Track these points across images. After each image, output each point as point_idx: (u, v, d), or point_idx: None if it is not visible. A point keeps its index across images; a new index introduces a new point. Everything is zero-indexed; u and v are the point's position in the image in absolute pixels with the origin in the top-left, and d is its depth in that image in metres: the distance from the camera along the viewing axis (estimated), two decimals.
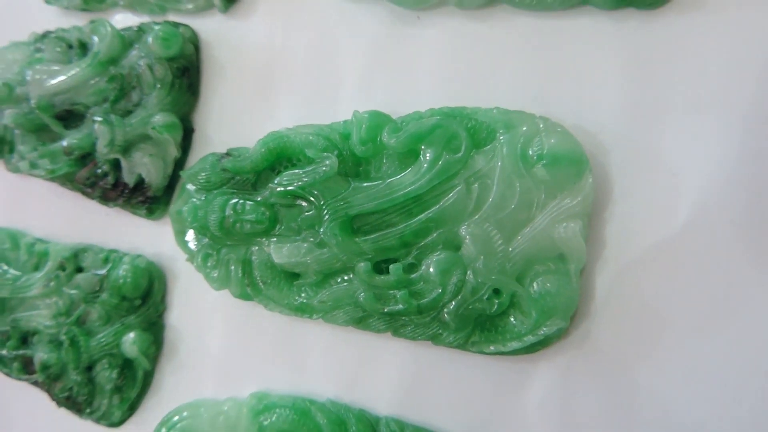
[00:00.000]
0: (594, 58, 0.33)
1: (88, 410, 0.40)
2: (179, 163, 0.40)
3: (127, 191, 0.39)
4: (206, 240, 0.37)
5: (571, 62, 0.34)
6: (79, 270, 0.40)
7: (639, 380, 0.32)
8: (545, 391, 0.33)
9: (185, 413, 0.38)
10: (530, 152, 0.32)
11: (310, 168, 0.35)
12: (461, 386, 0.34)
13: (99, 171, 0.39)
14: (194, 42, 0.39)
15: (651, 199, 0.32)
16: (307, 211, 0.35)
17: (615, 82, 0.33)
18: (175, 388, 0.40)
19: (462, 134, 0.33)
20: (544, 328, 0.31)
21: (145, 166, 0.38)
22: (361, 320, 0.35)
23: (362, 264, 0.34)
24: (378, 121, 0.34)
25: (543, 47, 0.34)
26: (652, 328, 0.31)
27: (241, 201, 0.36)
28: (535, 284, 0.32)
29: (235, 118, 0.39)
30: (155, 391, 0.40)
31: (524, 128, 0.32)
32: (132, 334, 0.38)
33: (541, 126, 0.32)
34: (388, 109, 0.35)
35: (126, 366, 0.39)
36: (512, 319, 0.33)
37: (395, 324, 0.34)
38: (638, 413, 0.31)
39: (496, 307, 0.32)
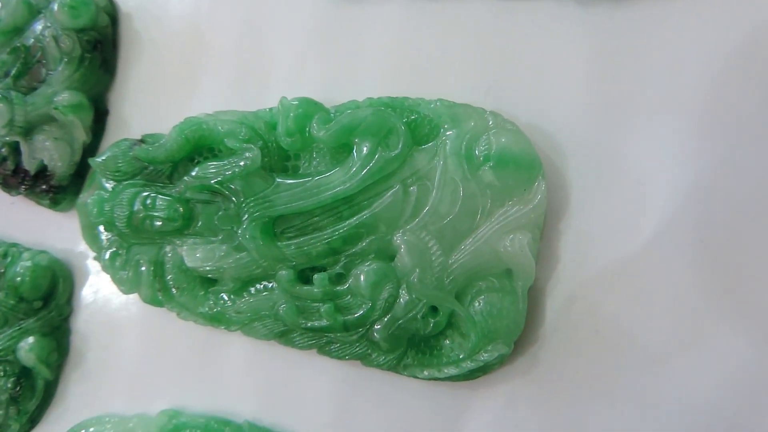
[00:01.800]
0: (555, 47, 0.29)
1: None
2: (90, 149, 0.35)
3: (28, 179, 0.34)
4: (113, 237, 0.33)
5: (529, 51, 0.30)
6: None
7: (590, 415, 0.28)
8: (485, 422, 0.29)
9: (91, 429, 0.34)
10: (476, 152, 0.28)
11: (230, 160, 0.30)
12: (394, 411, 0.31)
13: None
14: (110, 12, 0.35)
15: (612, 210, 0.28)
16: (224, 209, 0.31)
17: (577, 77, 0.29)
18: (80, 400, 0.36)
19: (400, 128, 0.28)
20: (485, 354, 0.27)
21: (47, 151, 0.33)
22: (283, 335, 0.31)
23: (284, 272, 0.30)
24: (308, 109, 0.30)
25: (498, 33, 0.30)
26: (608, 356, 0.28)
27: (152, 195, 0.32)
28: (476, 303, 0.28)
29: (155, 101, 0.35)
30: (59, 402, 0.36)
31: (471, 124, 0.28)
32: (30, 340, 0.34)
33: (491, 122, 0.28)
34: (323, 98, 0.31)
35: (23, 375, 0.35)
36: (449, 342, 0.29)
37: (320, 341, 0.30)
38: None
39: (431, 327, 0.28)
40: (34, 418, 0.35)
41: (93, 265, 0.36)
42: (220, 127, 0.31)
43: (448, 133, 0.28)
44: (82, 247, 0.35)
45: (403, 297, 0.28)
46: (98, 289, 0.36)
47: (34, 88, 0.33)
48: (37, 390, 0.35)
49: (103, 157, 0.33)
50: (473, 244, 0.28)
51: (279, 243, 0.30)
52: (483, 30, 0.30)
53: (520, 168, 0.27)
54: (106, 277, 0.35)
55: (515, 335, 0.28)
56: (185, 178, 0.31)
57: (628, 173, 0.28)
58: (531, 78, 0.29)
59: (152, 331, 0.34)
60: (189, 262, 0.31)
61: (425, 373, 0.29)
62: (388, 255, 0.29)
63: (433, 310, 0.28)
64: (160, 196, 0.32)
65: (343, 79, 0.32)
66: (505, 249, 0.27)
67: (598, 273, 0.28)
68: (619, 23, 0.28)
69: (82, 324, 0.36)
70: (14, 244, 0.35)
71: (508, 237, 0.27)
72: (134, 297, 0.34)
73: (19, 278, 0.34)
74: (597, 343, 0.28)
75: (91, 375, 0.35)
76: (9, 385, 0.34)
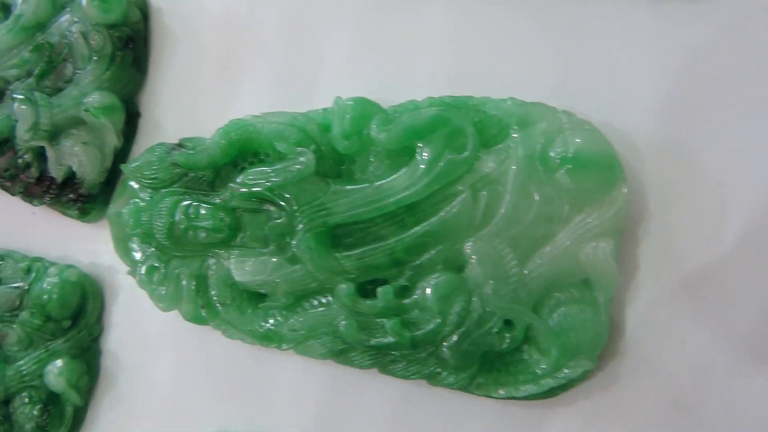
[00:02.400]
0: (629, 43, 0.28)
1: None
2: (121, 155, 0.33)
3: (54, 187, 0.31)
4: (152, 249, 0.30)
5: (600, 47, 0.28)
6: None
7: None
8: None
9: None
10: (552, 154, 0.26)
11: (281, 165, 0.28)
12: None
13: (20, 161, 0.32)
14: (141, 6, 0.32)
15: (693, 214, 0.26)
16: (276, 218, 0.28)
17: (653, 74, 0.27)
18: (112, 427, 0.33)
19: (468, 129, 0.27)
20: (567, 370, 0.26)
21: (76, 157, 0.31)
22: (342, 353, 0.29)
23: (343, 286, 0.28)
24: (365, 110, 0.28)
25: (567, 26, 0.28)
26: (692, 372, 0.26)
27: (194, 203, 0.29)
28: (555, 316, 0.26)
29: (191, 102, 0.33)
30: (88, 430, 0.33)
31: (544, 125, 0.26)
32: (59, 363, 0.31)
33: (565, 122, 0.26)
34: (378, 97, 0.28)
35: (51, 401, 0.32)
36: (526, 358, 0.27)
37: (383, 359, 0.28)
38: None
39: (507, 342, 0.26)
40: None
41: (125, 281, 0.33)
42: (268, 130, 0.29)
43: (518, 134, 0.26)
44: (112, 260, 0.33)
45: (476, 311, 0.26)
46: (130, 307, 0.33)
47: (60, 89, 0.31)
48: (66, 417, 0.32)
49: (138, 163, 0.30)
50: (551, 252, 0.26)
51: (337, 254, 0.28)
52: (550, 24, 0.28)
53: (599, 170, 0.26)
54: (139, 294, 0.32)
55: (599, 349, 0.26)
56: (230, 185, 0.29)
57: (709, 175, 0.26)
58: (603, 75, 0.28)
59: (191, 350, 0.32)
60: (238, 276, 0.29)
61: (501, 392, 0.27)
62: (456, 266, 0.27)
63: (508, 324, 0.27)
64: (204, 205, 0.29)
65: (397, 78, 0.30)
66: (587, 257, 0.26)
67: (680, 280, 0.26)
68: (699, 19, 0.27)
69: (113, 344, 0.33)
70: (38, 259, 0.33)
71: (590, 245, 0.26)
72: (171, 315, 0.31)
73: (46, 296, 0.31)
74: (682, 355, 0.26)
75: (123, 399, 0.33)
76: (35, 413, 0.31)
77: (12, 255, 0.33)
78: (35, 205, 0.33)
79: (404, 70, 0.30)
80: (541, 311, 0.26)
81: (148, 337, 0.33)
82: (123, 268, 0.32)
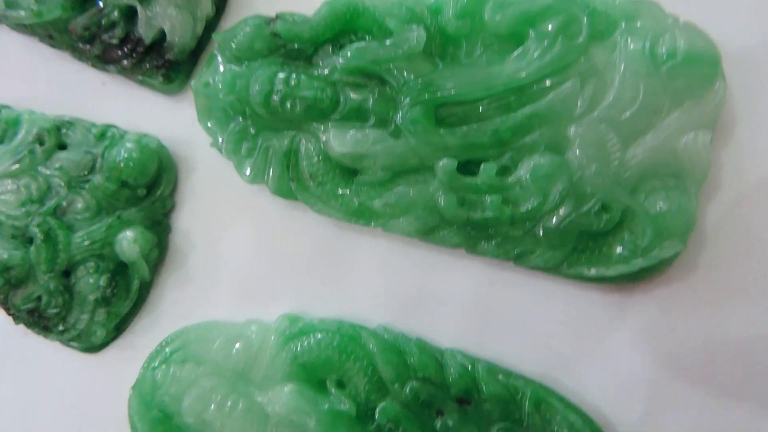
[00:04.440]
0: None
1: (59, 327, 0.31)
2: (209, 26, 0.31)
3: (140, 50, 0.30)
4: (240, 120, 0.30)
5: None
6: (62, 148, 0.31)
7: (749, 322, 0.28)
8: (638, 328, 0.29)
9: (190, 336, 0.30)
10: (659, 49, 0.27)
11: (390, 41, 0.28)
12: (541, 318, 0.29)
13: (104, 20, 0.30)
14: None
15: None
16: (380, 93, 0.28)
17: None
18: (176, 307, 0.32)
19: (582, 18, 0.28)
20: (659, 250, 0.27)
21: (169, 19, 0.29)
22: (432, 231, 0.29)
23: (446, 160, 0.28)
24: None
25: None
26: None
27: (295, 74, 0.29)
28: (650, 200, 0.27)
29: None
30: (151, 308, 0.32)
31: (652, 22, 0.28)
32: (131, 231, 0.30)
33: (671, 21, 0.28)
34: None
35: (118, 272, 0.30)
36: (620, 240, 0.28)
37: (474, 238, 0.29)
38: (743, 357, 0.28)
39: (604, 222, 0.27)
40: (121, 325, 0.31)
41: (201, 157, 0.32)
42: (378, 6, 0.29)
43: (627, 29, 0.28)
44: (189, 135, 0.32)
45: (576, 191, 0.27)
46: (205, 185, 0.32)
47: None
48: (132, 291, 0.31)
49: (233, 34, 0.30)
50: (651, 141, 0.27)
51: (441, 131, 0.28)
52: None
53: (702, 67, 0.27)
54: (215, 172, 0.32)
55: (689, 233, 0.27)
56: (336, 58, 0.29)
57: None
58: None
59: (269, 229, 0.31)
60: (337, 147, 0.28)
61: (592, 271, 0.28)
62: (559, 148, 0.28)
63: (604, 207, 0.28)
64: (304, 76, 0.29)
65: None
66: (685, 147, 0.27)
67: (764, 178, 0.28)
68: None
69: (184, 222, 0.32)
70: (112, 125, 0.31)
71: (689, 135, 0.27)
72: (249, 193, 0.31)
73: (123, 160, 0.30)
74: (762, 250, 0.28)
75: (191, 278, 0.32)
76: (102, 283, 0.30)
77: (81, 122, 0.31)
78: (108, 72, 0.32)
79: None
80: (638, 196, 0.28)
81: (222, 215, 0.32)
82: (200, 144, 0.32)
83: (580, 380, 0.29)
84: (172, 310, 0.32)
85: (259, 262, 0.31)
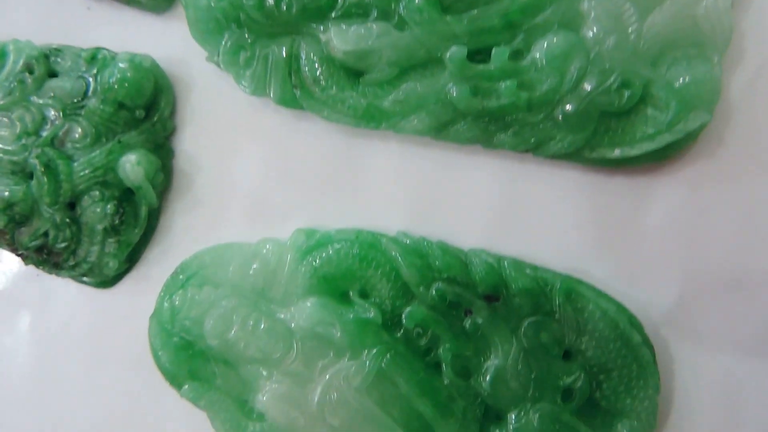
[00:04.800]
0: None
1: (70, 262, 0.30)
2: None
3: None
4: (235, 29, 0.28)
5: None
6: (53, 76, 0.30)
7: None
8: (667, 210, 0.28)
9: (205, 260, 0.29)
10: None
11: None
12: (564, 209, 0.29)
13: None
14: None
15: None
16: None
17: None
18: (188, 233, 0.31)
19: None
20: (685, 123, 0.26)
21: None
22: (445, 127, 0.28)
23: (454, 48, 0.27)
24: None
25: None
26: None
27: None
28: (672, 71, 0.26)
29: None
30: (161, 237, 0.31)
31: None
32: (133, 155, 0.29)
33: None
34: None
35: (125, 199, 0.29)
36: (643, 117, 0.26)
37: (489, 130, 0.27)
38: None
39: (626, 99, 0.26)
40: (133, 255, 0.31)
41: (198, 76, 0.31)
42: None
43: None
44: (183, 54, 0.31)
45: (594, 68, 0.26)
46: (204, 104, 0.31)
47: None
48: (141, 218, 0.30)
49: None
50: (670, 8, 0.26)
51: (447, 18, 0.27)
52: None
53: None
54: (215, 89, 0.31)
55: (714, 103, 0.26)
56: None
57: None
58: None
59: (276, 142, 0.30)
60: (340, 45, 0.27)
61: (616, 152, 0.27)
62: (572, 26, 0.26)
63: (625, 83, 0.26)
64: None
65: None
66: (705, 12, 0.26)
67: None
68: None
69: (187, 144, 0.31)
70: (102, 48, 0.30)
71: (708, 0, 0.26)
72: (252, 107, 0.30)
73: (117, 81, 0.28)
74: None
75: (200, 202, 0.31)
76: (109, 210, 0.29)
77: (69, 48, 0.30)
78: None
79: None
80: (659, 69, 0.26)
81: (226, 134, 0.31)
82: (196, 61, 0.30)
83: (610, 270, 0.28)
84: (184, 237, 0.31)
85: (269, 179, 0.30)
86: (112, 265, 0.30)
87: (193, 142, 0.31)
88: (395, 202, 0.29)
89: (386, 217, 0.29)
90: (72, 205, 0.30)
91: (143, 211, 0.30)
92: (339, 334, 0.28)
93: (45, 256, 0.30)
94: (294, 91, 0.28)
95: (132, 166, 0.28)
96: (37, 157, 0.29)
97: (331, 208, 0.30)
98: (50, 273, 0.31)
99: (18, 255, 0.31)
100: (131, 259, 0.31)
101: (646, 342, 0.27)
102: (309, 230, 0.29)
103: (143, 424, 0.31)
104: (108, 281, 0.31)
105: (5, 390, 0.32)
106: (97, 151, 0.29)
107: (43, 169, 0.29)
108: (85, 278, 0.31)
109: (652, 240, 0.28)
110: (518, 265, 0.28)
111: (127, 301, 0.31)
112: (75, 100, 0.29)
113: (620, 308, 0.27)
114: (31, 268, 0.31)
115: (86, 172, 0.29)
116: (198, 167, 0.31)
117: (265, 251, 0.29)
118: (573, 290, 0.27)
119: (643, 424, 0.27)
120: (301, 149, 0.30)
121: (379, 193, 0.30)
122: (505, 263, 0.28)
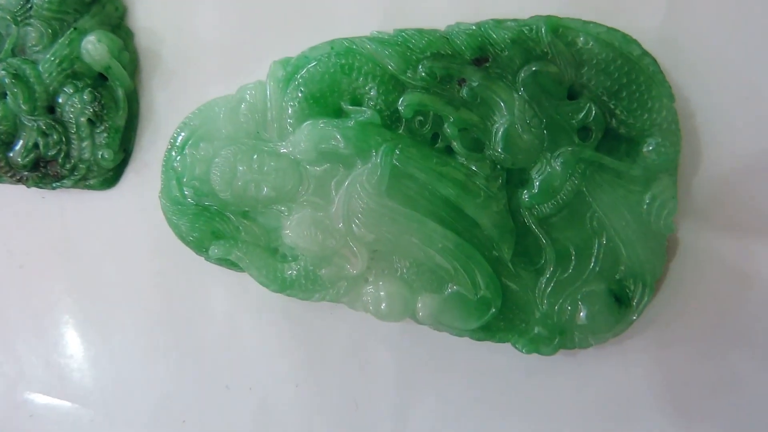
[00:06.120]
0: None
1: (67, 166, 0.30)
2: None
3: None
4: None
5: None
6: None
7: None
8: None
9: (194, 122, 0.29)
10: None
11: None
12: None
13: None
14: None
15: None
16: None
17: None
18: (170, 106, 0.31)
19: None
20: None
21: None
22: None
23: None
24: None
25: None
26: None
27: None
28: None
29: None
30: (147, 119, 0.31)
31: None
32: (92, 36, 0.28)
33: None
34: None
35: (99, 86, 0.29)
36: None
37: None
38: None
39: None
40: (125, 144, 0.30)
41: None
42: None
43: None
44: None
45: None
46: None
47: None
48: (120, 100, 0.29)
49: None
50: None
51: None
52: None
53: None
54: None
55: None
56: None
57: None
58: None
59: None
60: None
61: None
62: None
63: None
64: None
65: None
66: None
67: None
68: None
69: (143, 21, 0.30)
70: None
71: None
72: None
73: None
74: None
75: (173, 73, 0.30)
76: (87, 98, 0.28)
77: None
78: None
79: None
80: None
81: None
82: None
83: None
84: (168, 112, 0.31)
85: (233, 26, 0.30)
86: (108, 155, 0.30)
87: (148, 18, 0.30)
88: (366, 10, 0.29)
89: (359, 26, 0.29)
90: (52, 109, 0.30)
91: (120, 93, 0.29)
92: (343, 144, 0.27)
93: (43, 170, 0.30)
94: None
95: (94, 45, 0.28)
96: (4, 69, 0.29)
97: (301, 35, 0.29)
98: (54, 188, 0.31)
99: (18, 181, 0.31)
100: (125, 148, 0.31)
101: (647, 54, 0.26)
102: (284, 60, 0.29)
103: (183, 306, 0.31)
104: (110, 178, 0.31)
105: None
106: (56, 46, 0.29)
107: (12, 81, 0.29)
108: (88, 181, 0.31)
109: None
110: (498, 21, 0.27)
111: (135, 194, 0.31)
112: (20, 5, 0.29)
113: (611, 29, 0.26)
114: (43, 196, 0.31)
115: (53, 67, 0.29)
116: (161, 40, 0.30)
117: (248, 95, 0.29)
118: (559, 25, 0.26)
119: (667, 135, 0.26)
120: None
121: (348, 4, 0.29)
122: (485, 24, 0.27)
